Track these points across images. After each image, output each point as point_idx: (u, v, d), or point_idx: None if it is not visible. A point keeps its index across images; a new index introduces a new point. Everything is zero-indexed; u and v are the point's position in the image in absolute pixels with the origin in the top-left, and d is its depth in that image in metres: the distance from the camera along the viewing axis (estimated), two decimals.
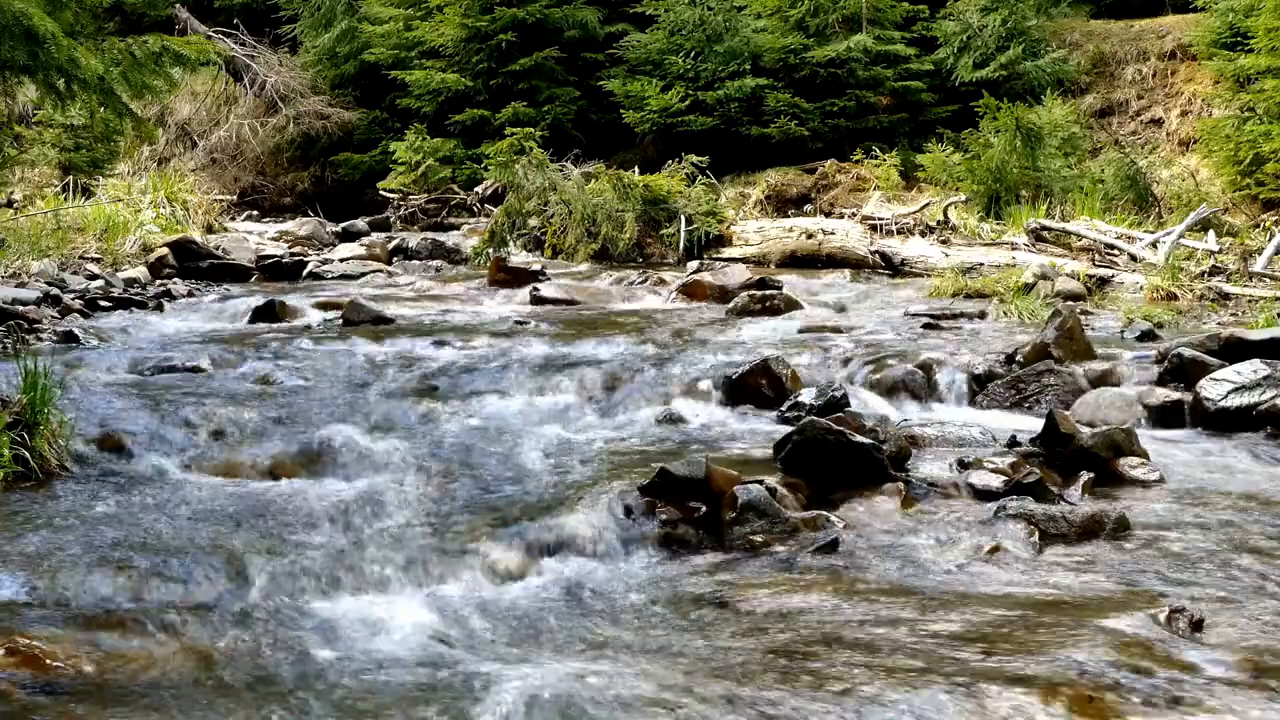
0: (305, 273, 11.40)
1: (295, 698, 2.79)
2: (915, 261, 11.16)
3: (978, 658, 2.93)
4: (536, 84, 17.59)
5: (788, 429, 4.61)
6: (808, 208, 14.70)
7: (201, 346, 6.89)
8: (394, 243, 13.51)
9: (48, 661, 2.87)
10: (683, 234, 12.23)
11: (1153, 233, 10.71)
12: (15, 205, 12.53)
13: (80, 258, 10.44)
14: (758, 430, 5.26)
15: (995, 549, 3.76)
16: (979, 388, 5.97)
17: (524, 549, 3.75)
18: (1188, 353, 5.85)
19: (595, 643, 3.14)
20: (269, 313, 8.29)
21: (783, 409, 5.49)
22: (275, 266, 11.50)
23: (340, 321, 8.14)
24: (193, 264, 10.97)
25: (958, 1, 16.11)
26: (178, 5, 19.65)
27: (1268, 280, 9.06)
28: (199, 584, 3.37)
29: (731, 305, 8.62)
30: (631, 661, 2.99)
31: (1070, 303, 8.28)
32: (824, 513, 4.03)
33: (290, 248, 13.17)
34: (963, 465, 4.43)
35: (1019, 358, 6.18)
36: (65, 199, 12.83)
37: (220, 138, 19.87)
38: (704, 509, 3.95)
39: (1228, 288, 8.88)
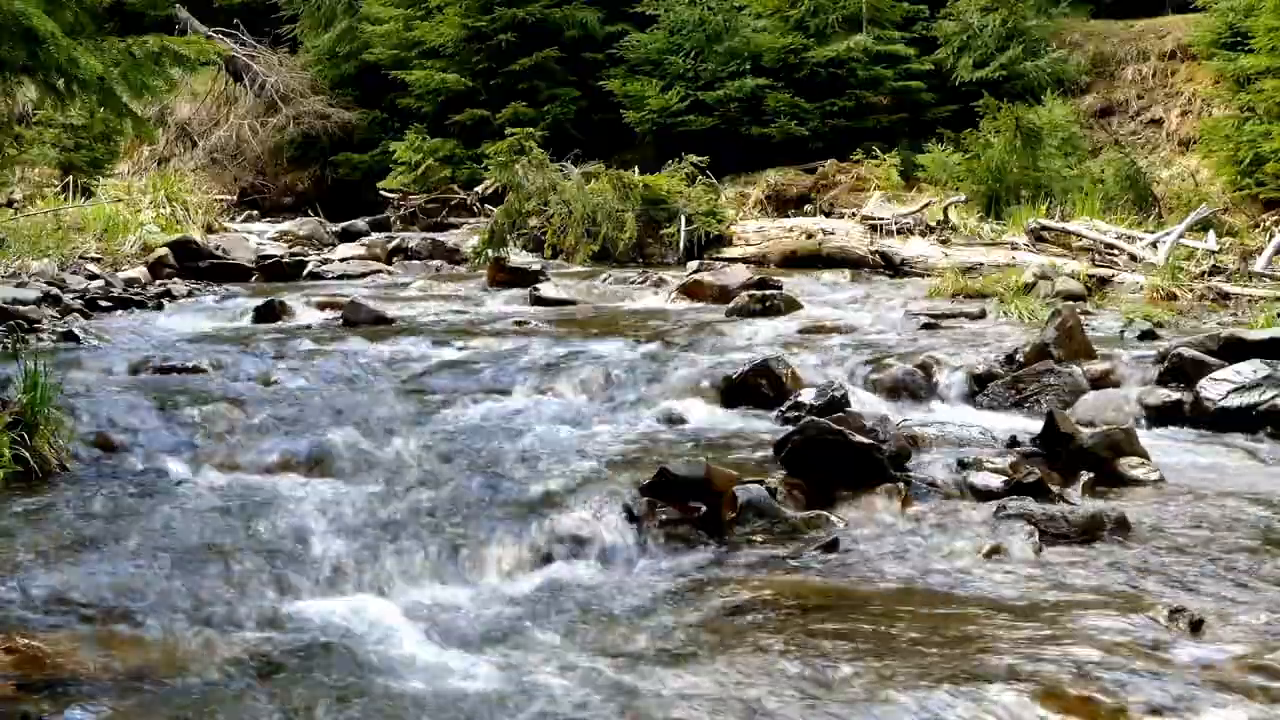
0: (305, 273, 11.40)
1: (295, 697, 2.78)
2: (915, 261, 11.16)
3: (978, 657, 2.93)
4: (536, 84, 17.59)
5: (788, 429, 4.61)
6: (808, 208, 14.70)
7: (201, 346, 6.89)
8: (394, 243, 13.50)
9: (47, 661, 2.86)
10: (683, 234, 12.23)
11: (1153, 233, 10.71)
12: (15, 205, 12.52)
13: (80, 258, 10.43)
14: (758, 430, 5.26)
15: (995, 549, 3.76)
16: (979, 388, 5.97)
17: (524, 549, 3.75)
18: (1188, 353, 5.85)
19: (595, 642, 3.14)
20: (269, 313, 8.29)
21: (783, 409, 5.49)
22: (275, 266, 11.50)
23: (340, 321, 8.14)
24: (193, 264, 10.96)
25: (958, 1, 16.11)
26: (178, 5, 19.66)
27: (1268, 280, 9.06)
28: (199, 584, 3.37)
29: (732, 305, 8.61)
30: (631, 660, 2.99)
31: (1070, 303, 8.27)
32: (824, 512, 4.03)
33: (290, 248, 13.18)
34: (963, 465, 4.43)
35: (1019, 358, 6.18)
36: (65, 199, 12.82)
37: (220, 138, 19.87)
38: (704, 509, 3.95)
39: (1228, 288, 8.88)
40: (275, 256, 11.96)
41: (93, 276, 9.69)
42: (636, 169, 13.61)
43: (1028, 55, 15.52)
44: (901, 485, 4.23)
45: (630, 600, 3.44)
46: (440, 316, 8.59)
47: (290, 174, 20.14)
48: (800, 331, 7.61)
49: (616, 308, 9.18)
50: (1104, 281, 9.48)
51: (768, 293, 8.74)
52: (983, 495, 4.25)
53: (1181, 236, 10.01)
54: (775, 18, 16.50)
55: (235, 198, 18.50)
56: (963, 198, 12.84)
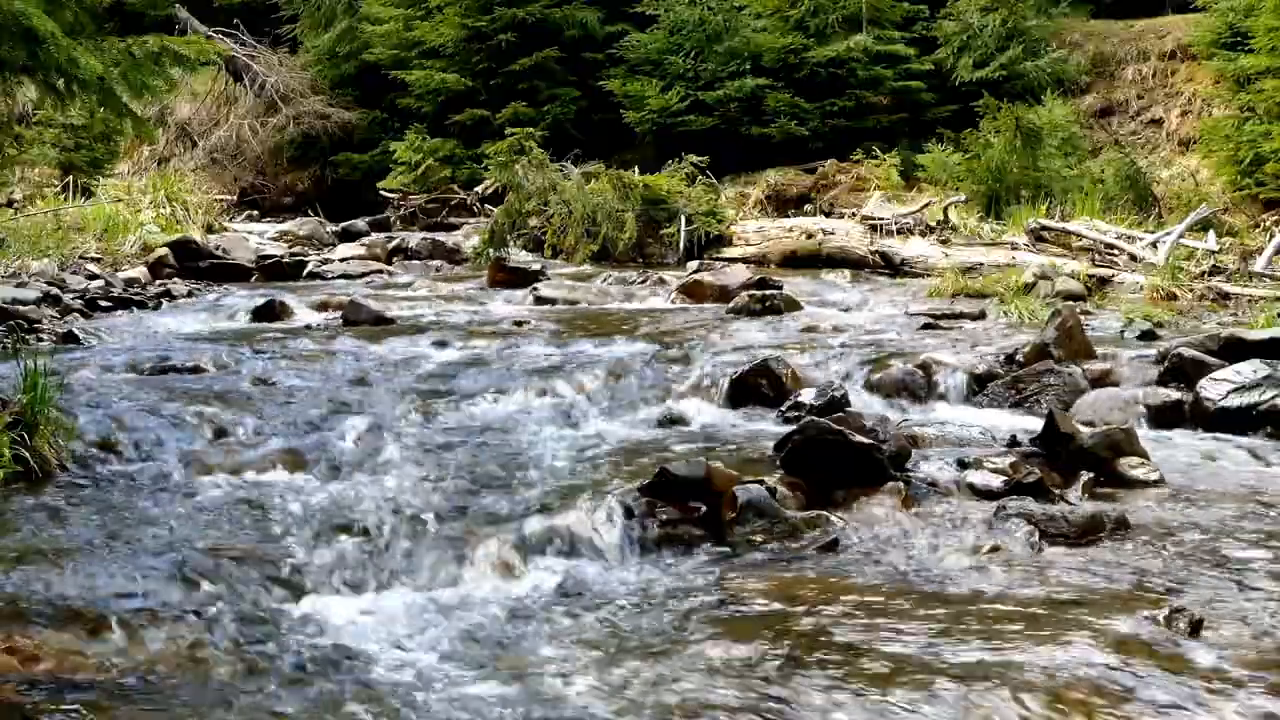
0: (305, 273, 11.40)
1: (296, 698, 2.79)
2: (915, 261, 11.16)
3: (977, 657, 2.93)
4: (536, 84, 17.60)
5: (788, 429, 4.61)
6: (808, 208, 14.71)
7: (201, 346, 6.89)
8: (394, 243, 13.51)
9: (48, 661, 2.86)
10: (683, 234, 12.23)
11: (1153, 233, 10.72)
12: (15, 205, 12.53)
13: (80, 258, 10.44)
14: (758, 430, 5.26)
15: (995, 549, 3.76)
16: (979, 388, 5.97)
17: (524, 549, 3.75)
18: (1188, 353, 5.85)
19: (595, 642, 3.14)
20: (269, 312, 8.29)
21: (783, 409, 5.49)
22: (275, 266, 11.50)
23: (340, 321, 8.14)
24: (193, 264, 10.97)
25: (958, 1, 16.11)
26: (178, 5, 19.66)
27: (1268, 280, 9.07)
28: (198, 583, 3.37)
29: (731, 305, 8.61)
30: (631, 660, 2.99)
31: (1070, 303, 8.28)
32: (824, 512, 4.03)
33: (290, 248, 13.19)
34: (963, 465, 4.42)
35: (1019, 358, 6.18)
36: (65, 199, 12.83)
37: (220, 138, 19.88)
38: (704, 509, 3.95)
39: (1228, 288, 8.88)
40: (275, 256, 11.97)
41: (93, 276, 9.70)
42: (636, 169, 13.61)
43: (1028, 55, 15.52)
44: (901, 485, 4.23)
45: (630, 600, 3.44)
46: (440, 316, 8.59)
47: (290, 174, 20.15)
48: (800, 331, 7.61)
49: (616, 308, 9.18)
50: (1104, 281, 9.49)
51: (768, 293, 8.74)
52: (983, 495, 4.24)
53: (1181, 236, 10.01)
54: (775, 18, 16.50)
55: (235, 198, 18.51)
56: (963, 198, 12.85)
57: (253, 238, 13.37)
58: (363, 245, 13.29)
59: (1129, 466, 4.57)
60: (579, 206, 12.26)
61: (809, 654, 2.99)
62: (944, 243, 11.69)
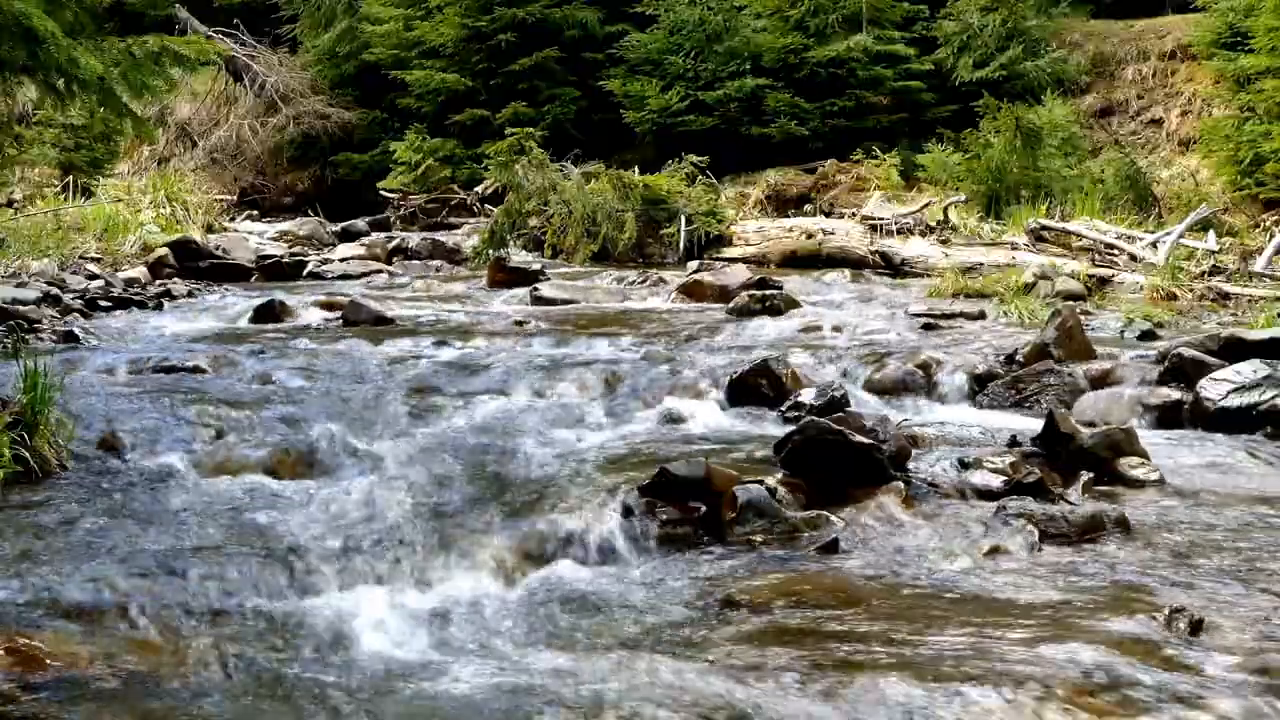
0: (305, 273, 11.42)
1: (295, 698, 2.79)
2: (915, 261, 11.17)
3: (977, 657, 2.93)
4: (536, 84, 17.61)
5: (788, 429, 4.60)
6: (808, 208, 14.73)
7: (201, 346, 6.90)
8: (394, 243, 13.53)
9: (47, 661, 2.86)
10: (683, 234, 12.24)
11: (1153, 233, 10.73)
12: (15, 205, 12.54)
13: (80, 258, 10.45)
14: (758, 430, 5.25)
15: (995, 549, 3.76)
16: (979, 388, 5.97)
17: (523, 549, 3.74)
18: (1188, 353, 5.85)
19: (595, 642, 3.14)
20: (269, 313, 8.29)
21: (783, 409, 5.49)
22: (275, 266, 11.52)
23: (340, 321, 8.15)
24: (193, 264, 10.98)
25: (958, 1, 16.12)
26: (178, 5, 19.67)
27: (1268, 280, 9.07)
28: (198, 583, 3.37)
29: (731, 305, 8.62)
30: (631, 660, 2.99)
31: (1070, 303, 8.28)
32: (824, 513, 4.03)
33: (290, 248, 13.20)
34: (963, 465, 4.42)
35: (1019, 358, 6.18)
36: (65, 199, 12.84)
37: (220, 138, 19.90)
38: (704, 509, 3.95)
39: (1228, 288, 8.89)
40: (275, 256, 11.99)
41: (93, 276, 9.71)
42: (636, 169, 13.63)
43: (1028, 55, 15.55)
44: (901, 485, 4.23)
45: (629, 600, 3.44)
46: (440, 316, 8.60)
47: (290, 174, 20.17)
48: (800, 331, 7.62)
49: (616, 308, 9.18)
50: (1104, 281, 9.50)
51: (768, 293, 8.74)
52: (983, 495, 4.24)
53: (1181, 236, 10.02)
54: (775, 18, 16.52)
55: (235, 198, 18.53)
56: (963, 198, 12.86)
57: (253, 238, 13.39)
58: (363, 245, 13.31)
59: (1129, 466, 4.57)
60: (579, 206, 12.27)
61: (808, 653, 2.99)
62: (944, 243, 11.69)
